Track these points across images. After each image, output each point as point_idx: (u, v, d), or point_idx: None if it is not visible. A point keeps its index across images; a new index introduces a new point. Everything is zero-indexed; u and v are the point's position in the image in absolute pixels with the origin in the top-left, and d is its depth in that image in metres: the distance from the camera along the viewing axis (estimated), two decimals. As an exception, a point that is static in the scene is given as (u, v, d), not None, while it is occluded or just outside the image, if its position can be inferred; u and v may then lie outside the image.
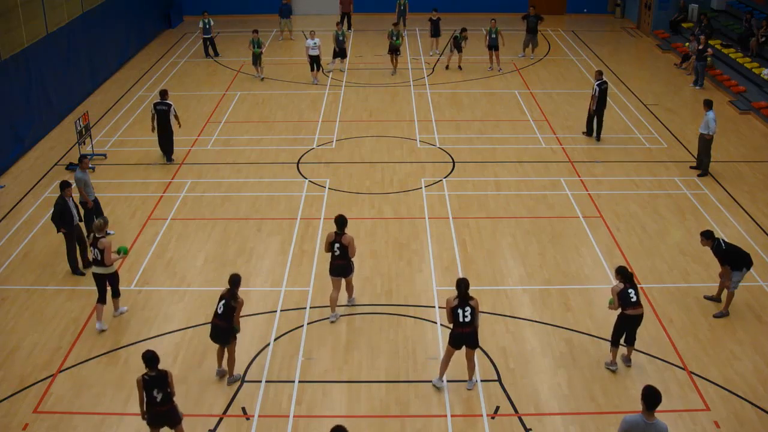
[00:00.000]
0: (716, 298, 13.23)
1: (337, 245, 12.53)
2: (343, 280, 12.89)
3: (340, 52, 26.00)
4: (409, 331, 12.54)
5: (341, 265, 12.68)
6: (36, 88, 20.69)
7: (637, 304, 11.26)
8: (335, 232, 12.57)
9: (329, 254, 12.73)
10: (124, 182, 18.02)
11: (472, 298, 10.81)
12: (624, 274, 11.32)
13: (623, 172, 18.44)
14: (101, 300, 12.67)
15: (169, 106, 18.73)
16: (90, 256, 12.73)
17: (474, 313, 10.77)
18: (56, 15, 22.20)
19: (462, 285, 10.76)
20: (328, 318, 12.88)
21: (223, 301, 11.03)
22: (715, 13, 29.76)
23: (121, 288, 13.69)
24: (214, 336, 11.21)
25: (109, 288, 12.78)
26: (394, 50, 25.98)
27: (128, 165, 18.99)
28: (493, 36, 26.12)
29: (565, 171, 18.41)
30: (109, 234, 15.49)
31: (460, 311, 10.73)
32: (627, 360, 11.72)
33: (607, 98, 20.50)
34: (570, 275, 14.13)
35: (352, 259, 12.72)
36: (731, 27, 28.07)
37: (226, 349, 11.34)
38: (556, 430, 10.47)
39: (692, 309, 13.10)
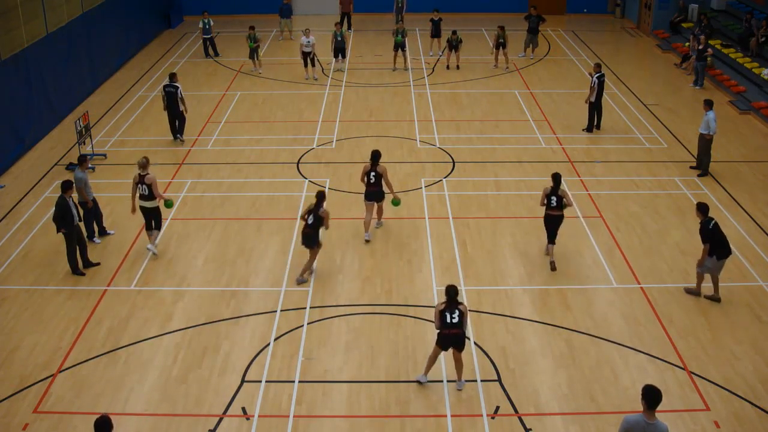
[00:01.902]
0: (716, 297, 13.24)
1: (372, 174, 14.96)
2: (375, 205, 15.34)
3: (340, 52, 26.04)
4: (409, 331, 12.54)
5: (375, 191, 15.12)
6: (36, 88, 20.69)
7: (556, 208, 14.08)
8: (370, 163, 15.05)
9: (363, 184, 15.15)
10: (124, 182, 17.99)
11: (461, 303, 10.84)
12: (556, 181, 14.05)
13: (623, 172, 18.44)
14: (149, 227, 14.74)
15: (177, 88, 19.79)
16: (138, 193, 14.51)
17: (462, 316, 10.77)
18: (56, 15, 22.20)
19: (451, 291, 10.80)
20: (365, 237, 15.22)
21: (312, 215, 13.52)
22: (715, 13, 29.75)
23: (120, 288, 13.79)
24: (304, 242, 13.75)
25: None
26: (399, 47, 26.16)
27: (128, 165, 18.97)
28: (501, 41, 26.39)
29: (565, 171, 18.38)
30: (109, 234, 15.58)
31: (447, 313, 10.75)
32: (552, 263, 14.17)
33: (604, 91, 20.94)
34: (570, 275, 14.13)
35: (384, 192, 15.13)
36: (731, 27, 28.07)
37: (309, 253, 13.81)
38: (556, 430, 10.47)
39: (692, 309, 13.10)
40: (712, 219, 12.99)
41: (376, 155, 15.17)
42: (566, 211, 16.36)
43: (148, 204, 14.51)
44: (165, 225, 15.86)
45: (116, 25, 27.03)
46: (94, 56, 24.84)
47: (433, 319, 11.24)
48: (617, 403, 10.94)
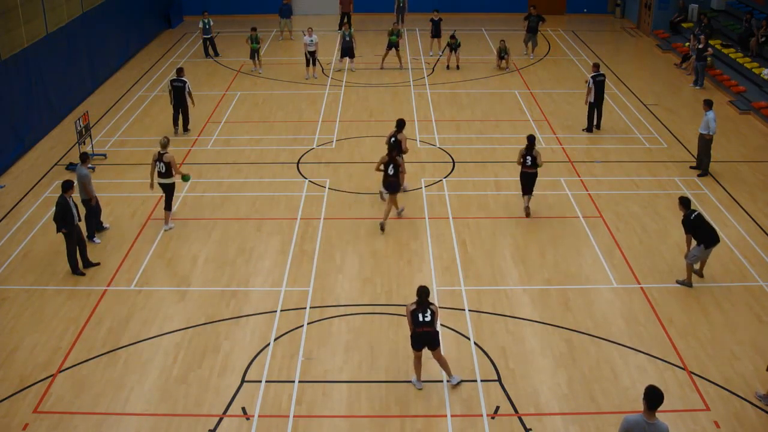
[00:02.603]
0: (699, 273, 13.81)
1: (392, 139, 16.49)
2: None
3: (347, 52, 26.08)
4: (409, 331, 12.51)
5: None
6: (36, 88, 20.69)
7: (531, 167, 15.71)
8: (395, 130, 16.65)
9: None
10: (124, 182, 18.02)
11: (432, 303, 10.87)
12: (530, 142, 15.71)
13: (623, 172, 18.44)
14: (167, 207, 15.70)
15: (184, 83, 20.40)
16: (156, 170, 15.43)
17: (434, 315, 10.80)
18: (56, 15, 22.20)
19: (423, 292, 10.83)
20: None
21: (391, 165, 15.18)
22: (715, 13, 29.75)
23: (120, 288, 13.79)
24: (388, 188, 15.39)
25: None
26: (392, 46, 26.32)
27: (128, 165, 18.99)
28: (504, 55, 26.62)
29: (565, 171, 18.41)
30: (105, 228, 15.62)
31: (420, 314, 10.77)
32: (527, 209, 15.95)
33: (604, 92, 20.84)
34: (570, 275, 14.13)
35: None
36: (731, 27, 28.07)
37: (393, 197, 15.55)
38: (556, 430, 10.47)
39: (692, 309, 13.11)
40: (694, 211, 13.42)
41: (400, 123, 16.67)
42: (566, 211, 16.48)
43: (164, 181, 15.49)
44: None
45: (116, 25, 27.03)
46: (94, 56, 24.83)
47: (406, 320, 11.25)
48: (617, 403, 10.94)
